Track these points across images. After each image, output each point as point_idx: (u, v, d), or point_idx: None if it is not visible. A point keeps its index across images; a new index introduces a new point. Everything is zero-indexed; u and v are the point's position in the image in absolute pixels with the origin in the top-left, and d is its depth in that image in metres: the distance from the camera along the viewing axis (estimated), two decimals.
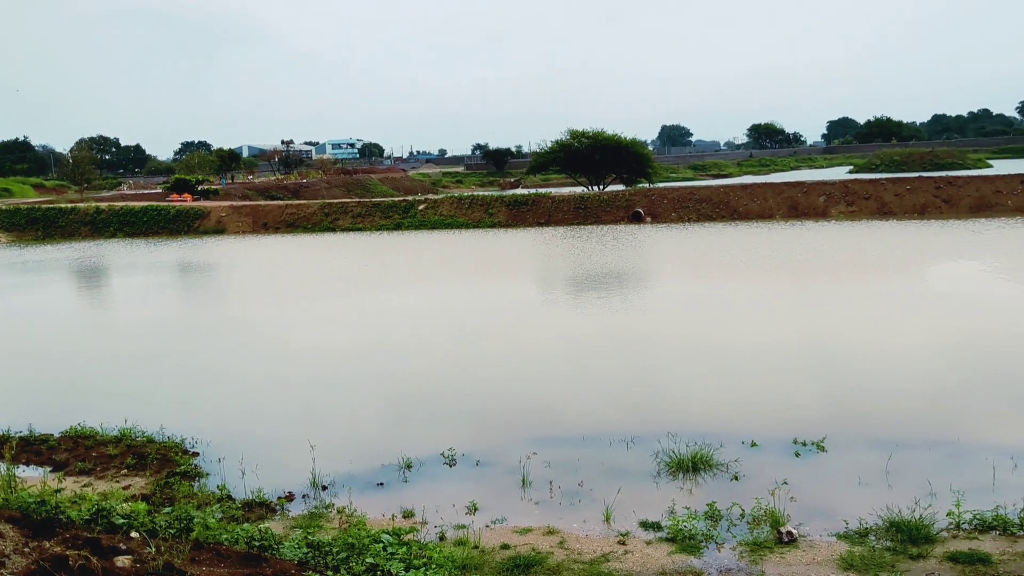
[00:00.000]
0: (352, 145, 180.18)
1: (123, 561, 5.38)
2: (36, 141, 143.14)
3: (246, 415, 12.52)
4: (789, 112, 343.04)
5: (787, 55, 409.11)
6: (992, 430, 10.50)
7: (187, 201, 56.64)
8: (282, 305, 22.60)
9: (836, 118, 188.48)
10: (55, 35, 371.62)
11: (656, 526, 7.96)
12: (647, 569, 7.00)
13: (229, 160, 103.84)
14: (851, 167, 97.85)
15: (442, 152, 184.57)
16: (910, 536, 7.31)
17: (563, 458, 10.03)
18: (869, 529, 7.64)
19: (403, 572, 6.45)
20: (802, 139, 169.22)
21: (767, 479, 9.01)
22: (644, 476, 9.45)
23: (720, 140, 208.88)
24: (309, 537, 7.07)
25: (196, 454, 10.73)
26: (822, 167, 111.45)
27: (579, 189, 53.30)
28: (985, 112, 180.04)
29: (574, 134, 57.16)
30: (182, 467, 10.09)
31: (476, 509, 8.63)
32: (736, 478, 9.23)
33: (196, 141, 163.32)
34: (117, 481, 9.71)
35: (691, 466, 9.45)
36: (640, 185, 54.39)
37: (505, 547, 7.54)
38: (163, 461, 10.33)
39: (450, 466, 10.04)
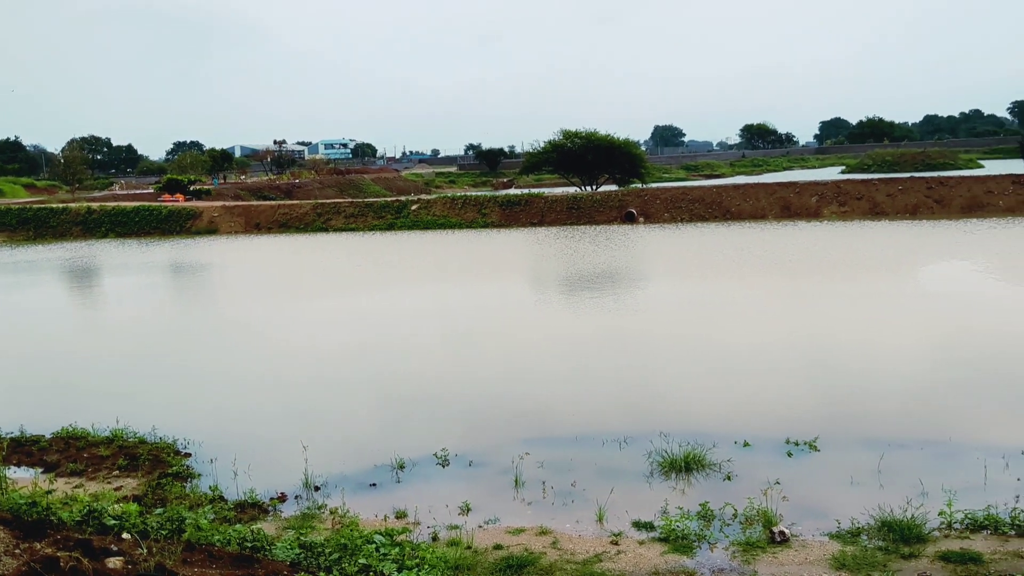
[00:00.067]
0: (345, 145, 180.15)
1: (114, 562, 5.36)
2: (27, 141, 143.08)
3: (238, 416, 12.49)
4: (783, 113, 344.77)
5: (786, 55, 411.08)
6: (984, 430, 10.56)
7: (179, 201, 56.41)
8: (274, 305, 22.55)
9: (828, 118, 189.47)
10: (47, 35, 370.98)
11: (649, 526, 7.98)
12: (640, 569, 7.01)
13: (221, 160, 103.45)
14: (843, 167, 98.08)
15: (435, 152, 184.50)
16: (902, 535, 7.33)
17: (556, 458, 10.04)
18: (861, 529, 7.67)
19: (396, 573, 6.45)
20: (794, 139, 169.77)
21: (760, 479, 9.03)
22: (637, 476, 9.46)
23: (713, 140, 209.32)
24: (301, 538, 7.07)
25: (188, 455, 10.70)
26: (814, 167, 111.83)
27: (572, 189, 53.30)
28: (976, 113, 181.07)
29: (567, 134, 57.27)
30: (174, 468, 10.07)
31: (469, 509, 8.63)
32: (729, 478, 9.25)
33: (188, 141, 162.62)
34: (109, 482, 9.68)
35: (684, 466, 9.47)
36: (633, 185, 54.48)
37: (498, 547, 7.54)
38: (155, 462, 10.31)
39: (443, 466, 10.04)
